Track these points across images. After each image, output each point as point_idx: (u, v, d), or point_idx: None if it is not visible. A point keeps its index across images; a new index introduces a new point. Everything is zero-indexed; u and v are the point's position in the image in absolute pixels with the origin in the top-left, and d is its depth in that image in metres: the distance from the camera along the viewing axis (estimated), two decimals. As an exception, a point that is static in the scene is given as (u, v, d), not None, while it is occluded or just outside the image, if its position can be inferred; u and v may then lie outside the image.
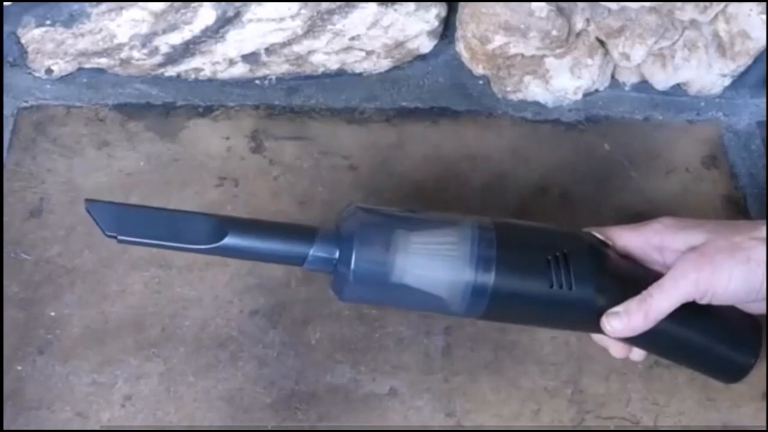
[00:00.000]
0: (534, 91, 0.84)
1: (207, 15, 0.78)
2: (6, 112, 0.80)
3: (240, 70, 0.83)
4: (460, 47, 0.84)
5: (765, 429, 0.68)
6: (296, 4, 0.78)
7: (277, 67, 0.83)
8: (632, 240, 0.64)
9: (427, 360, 0.70)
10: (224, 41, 0.80)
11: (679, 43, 0.82)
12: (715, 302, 0.61)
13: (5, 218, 0.74)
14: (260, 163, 0.79)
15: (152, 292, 0.71)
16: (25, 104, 0.81)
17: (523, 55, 0.82)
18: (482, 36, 0.80)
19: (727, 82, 0.85)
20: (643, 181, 0.81)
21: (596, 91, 0.86)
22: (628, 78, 0.86)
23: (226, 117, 0.82)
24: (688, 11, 0.78)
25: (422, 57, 0.85)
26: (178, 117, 0.81)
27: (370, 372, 0.69)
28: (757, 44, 0.81)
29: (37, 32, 0.79)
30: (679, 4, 0.78)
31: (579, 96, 0.85)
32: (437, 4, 0.80)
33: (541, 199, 0.79)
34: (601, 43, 0.82)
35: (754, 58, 0.82)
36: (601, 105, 0.86)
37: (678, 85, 0.86)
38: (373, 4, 0.79)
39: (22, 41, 0.80)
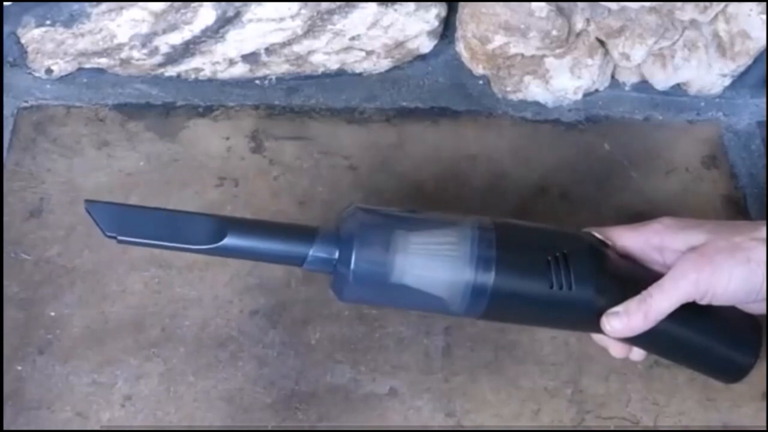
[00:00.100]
0: (534, 91, 0.84)
1: (207, 15, 0.78)
2: (6, 112, 0.80)
3: (240, 70, 0.83)
4: (460, 47, 0.84)
5: (765, 429, 0.68)
6: (296, 4, 0.78)
7: (277, 67, 0.83)
8: (632, 240, 0.64)
9: (427, 360, 0.70)
10: (224, 41, 0.80)
11: (679, 43, 0.82)
12: (715, 302, 0.61)
13: (5, 218, 0.74)
14: (260, 163, 0.79)
15: (152, 292, 0.71)
16: (25, 104, 0.81)
17: (523, 55, 0.82)
18: (482, 36, 0.80)
19: (727, 82, 0.85)
20: (643, 181, 0.81)
21: (596, 91, 0.86)
22: (628, 78, 0.86)
23: (226, 117, 0.82)
24: (688, 11, 0.78)
25: (422, 57, 0.85)
26: (178, 117, 0.81)
27: (370, 372, 0.69)
28: (757, 44, 0.81)
29: (37, 32, 0.79)
30: (679, 4, 0.78)
31: (579, 96, 0.85)
32: (437, 4, 0.80)
33: (541, 199, 0.79)
34: (601, 43, 0.82)
35: (754, 58, 0.82)
36: (601, 105, 0.86)
37: (678, 85, 0.86)
38: (373, 4, 0.79)
39: (22, 41, 0.80)
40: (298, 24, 0.79)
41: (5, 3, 0.77)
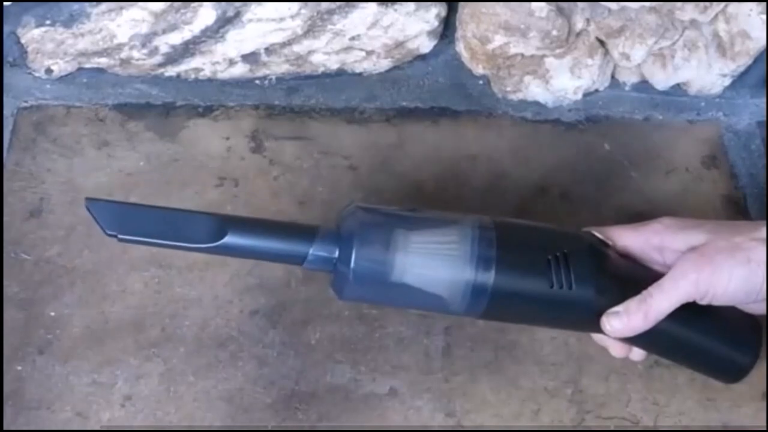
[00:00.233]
0: (534, 91, 0.84)
1: (207, 15, 0.78)
2: (6, 112, 0.80)
3: (240, 70, 0.83)
4: (460, 47, 0.84)
5: (765, 429, 0.68)
6: (296, 4, 0.78)
7: (277, 67, 0.83)
8: (632, 240, 0.64)
9: (427, 360, 0.70)
10: (224, 41, 0.80)
11: (679, 43, 0.82)
12: (715, 303, 0.61)
13: (5, 218, 0.74)
14: (260, 163, 0.79)
15: (152, 292, 0.71)
16: (25, 104, 0.81)
17: (523, 55, 0.82)
18: (482, 36, 0.80)
19: (727, 82, 0.85)
20: (643, 181, 0.81)
21: (596, 91, 0.86)
22: (628, 78, 0.86)
23: (226, 117, 0.82)
24: (688, 11, 0.78)
25: (422, 57, 0.85)
26: (178, 117, 0.81)
27: (370, 372, 0.69)
28: (757, 44, 0.81)
29: (37, 32, 0.79)
30: (679, 4, 0.78)
31: (579, 96, 0.85)
32: (437, 4, 0.80)
33: (541, 199, 0.79)
34: (601, 43, 0.82)
35: (754, 58, 0.82)
36: (601, 105, 0.86)
37: (678, 85, 0.86)
38: (373, 4, 0.79)
39: (22, 41, 0.80)
40: (298, 24, 0.79)
41: (5, 3, 0.77)
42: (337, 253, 0.58)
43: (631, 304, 0.60)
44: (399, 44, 0.83)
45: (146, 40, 0.79)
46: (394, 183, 0.78)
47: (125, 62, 0.81)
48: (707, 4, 0.78)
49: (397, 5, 0.79)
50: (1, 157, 0.77)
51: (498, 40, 0.80)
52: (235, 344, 0.69)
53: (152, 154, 0.79)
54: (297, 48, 0.82)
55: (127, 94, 0.82)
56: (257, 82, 0.84)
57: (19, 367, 0.67)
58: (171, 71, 0.83)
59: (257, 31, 0.80)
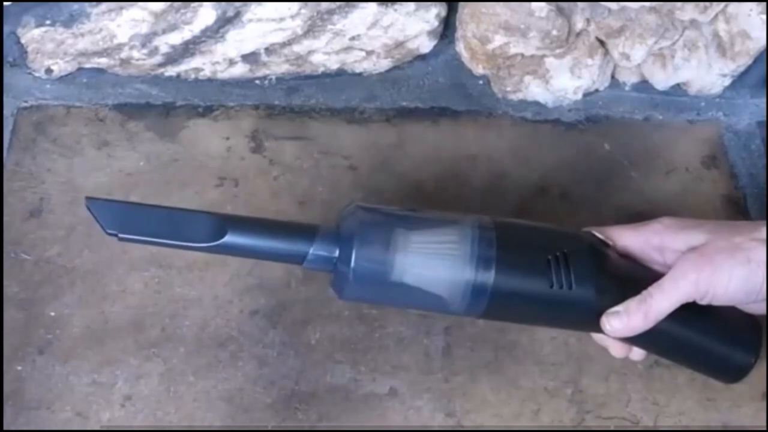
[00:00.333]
0: (534, 91, 0.84)
1: (207, 15, 0.78)
2: (6, 112, 0.80)
3: (240, 70, 0.83)
4: (460, 47, 0.84)
5: (765, 429, 0.68)
6: (296, 4, 0.78)
7: (277, 67, 0.83)
8: (632, 240, 0.64)
9: (427, 360, 0.70)
10: (224, 41, 0.80)
11: (679, 43, 0.82)
12: (715, 303, 0.61)
13: (5, 218, 0.74)
14: (260, 163, 0.79)
15: (152, 292, 0.71)
16: (25, 104, 0.81)
17: (523, 55, 0.82)
18: (482, 36, 0.80)
19: (727, 82, 0.85)
20: (643, 181, 0.81)
21: (596, 91, 0.86)
22: (628, 78, 0.86)
23: (226, 117, 0.82)
24: (688, 11, 0.78)
25: (422, 57, 0.85)
26: (178, 117, 0.81)
27: (370, 372, 0.69)
28: (757, 44, 0.81)
29: (37, 32, 0.79)
30: (679, 4, 0.78)
31: (579, 96, 0.85)
32: (437, 4, 0.80)
33: (541, 199, 0.79)
34: (601, 43, 0.82)
35: (754, 58, 0.82)
36: (601, 105, 0.86)
37: (678, 85, 0.86)
38: (373, 4, 0.79)
39: (22, 41, 0.80)
40: (298, 24, 0.79)
41: (5, 3, 0.77)
42: (337, 253, 0.58)
43: (631, 304, 0.60)
44: (399, 44, 0.83)
45: (146, 40, 0.79)
46: (394, 183, 0.78)
47: (125, 62, 0.81)
48: (707, 4, 0.78)
49: (397, 5, 0.79)
50: (1, 157, 0.77)
51: (498, 40, 0.80)
52: (235, 344, 0.69)
53: (152, 154, 0.79)
54: (297, 48, 0.82)
55: (127, 94, 0.82)
56: (257, 82, 0.84)
57: (19, 367, 0.67)
58: (171, 71, 0.83)
59: (257, 31, 0.80)
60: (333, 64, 0.84)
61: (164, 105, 0.82)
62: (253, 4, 0.78)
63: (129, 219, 0.57)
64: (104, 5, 0.77)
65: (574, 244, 0.62)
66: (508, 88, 0.84)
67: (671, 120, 0.85)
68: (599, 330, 0.62)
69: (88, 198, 0.56)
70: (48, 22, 0.78)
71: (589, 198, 0.79)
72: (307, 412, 0.67)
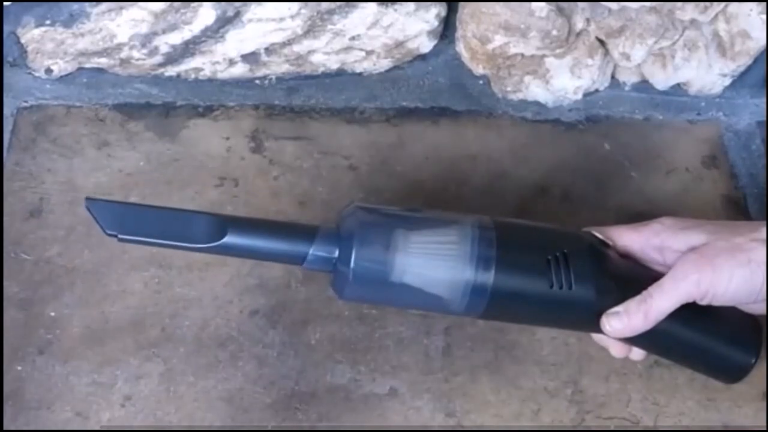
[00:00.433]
0: (534, 91, 0.84)
1: (207, 15, 0.78)
2: (6, 112, 0.80)
3: (240, 70, 0.83)
4: (460, 47, 0.84)
5: (765, 429, 0.68)
6: (296, 4, 0.78)
7: (277, 67, 0.83)
8: (632, 240, 0.64)
9: (427, 360, 0.70)
10: (224, 41, 0.80)
11: (679, 43, 0.82)
12: (715, 303, 0.61)
13: (5, 218, 0.74)
14: (260, 163, 0.79)
15: (152, 292, 0.71)
16: (25, 104, 0.81)
17: (523, 55, 0.82)
18: (482, 36, 0.80)
19: (727, 82, 0.85)
20: (643, 181, 0.81)
21: (596, 91, 0.86)
22: (628, 78, 0.86)
23: (226, 117, 0.82)
24: (689, 11, 0.78)
25: (422, 57, 0.85)
26: (178, 117, 0.81)
27: (370, 372, 0.69)
28: (757, 44, 0.81)
29: (37, 32, 0.79)
30: (679, 4, 0.78)
31: (579, 96, 0.85)
32: (437, 4, 0.80)
33: (541, 199, 0.79)
34: (601, 43, 0.82)
35: (754, 58, 0.82)
36: (601, 105, 0.86)
37: (678, 85, 0.86)
38: (373, 4, 0.79)
39: (22, 41, 0.80)
40: (298, 24, 0.79)
41: (5, 3, 0.77)
42: (337, 253, 0.59)
43: (631, 304, 0.60)
44: (399, 44, 0.83)
45: (146, 40, 0.79)
46: (394, 183, 0.78)
47: (125, 62, 0.81)
48: (707, 4, 0.78)
49: (397, 5, 0.79)
50: (1, 157, 0.77)
51: (498, 40, 0.80)
52: (235, 344, 0.69)
53: (152, 154, 0.79)
54: (297, 48, 0.82)
55: (127, 94, 0.82)
56: (257, 82, 0.84)
57: (19, 367, 0.67)
58: (171, 71, 0.83)
59: (257, 31, 0.80)
60: (333, 64, 0.84)
61: (164, 105, 0.82)
62: (253, 4, 0.78)
63: (129, 220, 0.57)
64: (104, 5, 0.77)
65: (574, 244, 0.62)
66: (508, 88, 0.84)
67: (671, 120, 0.85)
68: (599, 330, 0.62)
69: (87, 198, 0.56)
70: (48, 22, 0.78)
71: (589, 198, 0.79)
72: (307, 412, 0.67)
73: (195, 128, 0.81)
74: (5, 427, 0.64)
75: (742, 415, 0.69)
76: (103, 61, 0.81)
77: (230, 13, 0.78)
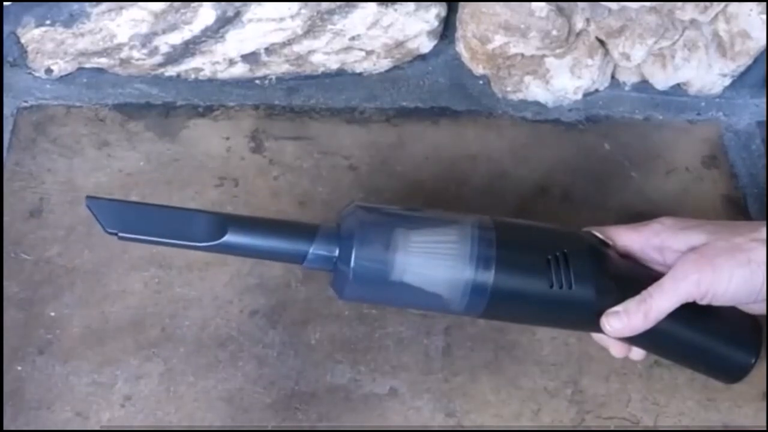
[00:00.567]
0: (534, 91, 0.84)
1: (207, 15, 0.78)
2: (6, 112, 0.80)
3: (240, 70, 0.83)
4: (460, 47, 0.84)
5: (765, 429, 0.68)
6: (296, 4, 0.78)
7: (277, 67, 0.83)
8: (632, 240, 0.64)
9: (427, 360, 0.70)
10: (224, 41, 0.80)
11: (679, 43, 0.82)
12: (715, 303, 0.61)
13: (5, 218, 0.74)
14: (260, 163, 0.79)
15: (152, 292, 0.71)
16: (25, 104, 0.81)
17: (523, 55, 0.82)
18: (482, 36, 0.80)
19: (727, 82, 0.85)
20: (643, 181, 0.81)
21: (596, 91, 0.86)
22: (628, 78, 0.86)
23: (226, 117, 0.82)
24: (689, 11, 0.78)
25: (422, 57, 0.85)
26: (178, 117, 0.81)
27: (370, 372, 0.69)
28: (757, 44, 0.81)
29: (37, 32, 0.79)
30: (679, 4, 0.78)
31: (579, 96, 0.85)
32: (437, 4, 0.80)
33: (541, 199, 0.79)
34: (601, 43, 0.82)
35: (754, 58, 0.82)
36: (601, 105, 0.86)
37: (678, 85, 0.86)
38: (373, 4, 0.79)
39: (22, 41, 0.80)
40: (298, 24, 0.79)
41: (5, 3, 0.77)
42: (337, 252, 0.59)
43: (631, 304, 0.60)
44: (399, 44, 0.83)
45: (146, 40, 0.79)
46: (394, 183, 0.78)
47: (125, 62, 0.81)
48: (707, 4, 0.78)
49: (397, 5, 0.79)
50: (1, 157, 0.77)
51: (498, 40, 0.80)
52: (235, 344, 0.69)
53: (152, 154, 0.79)
54: (297, 48, 0.82)
55: (127, 94, 0.82)
56: (257, 82, 0.84)
57: (19, 367, 0.67)
58: (171, 71, 0.83)
59: (257, 31, 0.80)
60: (333, 64, 0.84)
61: (164, 105, 0.82)
62: (253, 4, 0.78)
63: (129, 218, 0.57)
64: (104, 5, 0.77)
65: (574, 244, 0.62)
66: (508, 88, 0.84)
67: (671, 120, 0.85)
68: (599, 330, 0.62)
69: (88, 197, 0.56)
70: (48, 22, 0.78)
71: (589, 198, 0.79)
72: (307, 412, 0.67)
73: (195, 128, 0.81)
74: (5, 427, 0.64)
75: (742, 415, 0.69)
76: (103, 61, 0.81)
77: (230, 13, 0.78)
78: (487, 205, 0.77)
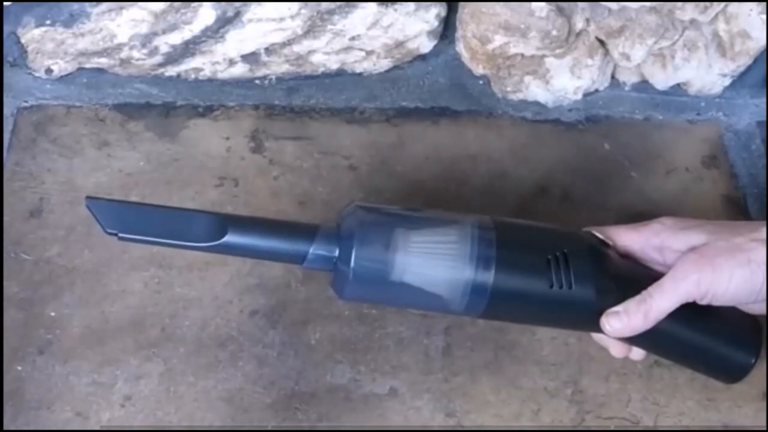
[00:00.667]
0: (534, 91, 0.84)
1: (207, 15, 0.78)
2: (6, 112, 0.80)
3: (240, 70, 0.83)
4: (460, 47, 0.84)
5: (765, 429, 0.68)
6: (296, 4, 0.78)
7: (277, 67, 0.83)
8: (632, 240, 0.64)
9: (427, 360, 0.70)
10: (224, 41, 0.80)
11: (679, 43, 0.82)
12: (715, 303, 0.61)
13: (5, 218, 0.74)
14: (260, 163, 0.79)
15: (152, 292, 0.71)
16: (25, 104, 0.81)
17: (523, 55, 0.82)
18: (482, 36, 0.80)
19: (727, 82, 0.85)
20: (643, 181, 0.81)
21: (596, 91, 0.86)
22: (628, 78, 0.86)
23: (226, 117, 0.82)
24: (688, 11, 0.78)
25: (422, 57, 0.85)
26: (178, 117, 0.81)
27: (370, 372, 0.69)
28: (757, 44, 0.81)
29: (37, 32, 0.79)
30: (679, 4, 0.78)
31: (579, 96, 0.85)
32: (437, 4, 0.80)
33: (542, 199, 0.79)
34: (601, 43, 0.82)
35: (754, 58, 0.82)
36: (601, 105, 0.86)
37: (678, 85, 0.86)
38: (373, 4, 0.79)
39: (22, 41, 0.80)
40: (298, 24, 0.79)
41: (5, 3, 0.77)
42: (337, 252, 0.59)
43: (631, 304, 0.60)
44: (399, 44, 0.83)
45: (146, 40, 0.79)
46: (394, 183, 0.78)
47: (125, 62, 0.81)
48: (707, 4, 0.78)
49: (397, 5, 0.79)
50: (1, 157, 0.77)
51: (498, 40, 0.80)
52: (235, 344, 0.69)
53: (152, 154, 0.79)
54: (297, 48, 0.82)
55: (127, 94, 0.82)
56: (257, 82, 0.84)
57: (19, 367, 0.67)
58: (171, 71, 0.83)
59: (257, 31, 0.80)
60: (333, 64, 0.84)
61: (164, 105, 0.82)
62: (253, 4, 0.78)
63: (129, 218, 0.57)
64: (104, 5, 0.77)
65: (574, 244, 0.62)
66: (508, 88, 0.84)
67: (671, 120, 0.85)
68: (599, 330, 0.62)
69: (88, 197, 0.56)
70: (48, 22, 0.78)
71: (589, 198, 0.79)
72: (307, 412, 0.67)
73: (195, 128, 0.81)
74: (5, 427, 0.64)
75: (742, 415, 0.69)
76: (103, 61, 0.81)
77: (230, 13, 0.78)
78: (487, 205, 0.77)
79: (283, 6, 0.78)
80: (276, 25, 0.79)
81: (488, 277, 0.59)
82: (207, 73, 0.83)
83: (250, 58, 0.82)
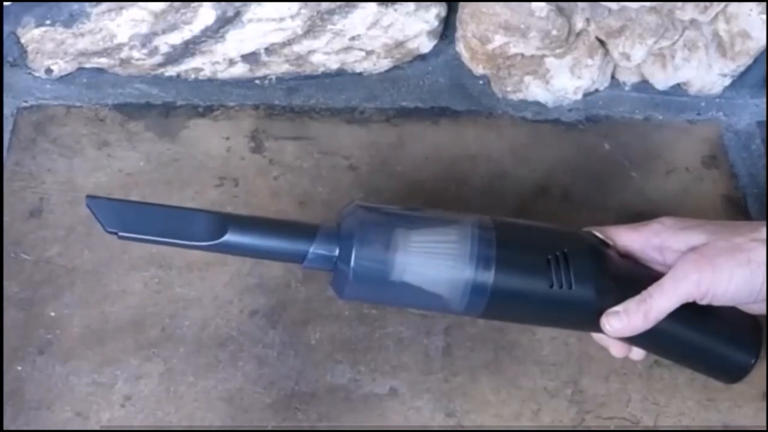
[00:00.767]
0: (534, 91, 0.84)
1: (207, 15, 0.78)
2: (6, 112, 0.80)
3: (240, 70, 0.83)
4: (460, 47, 0.84)
5: (765, 429, 0.68)
6: (296, 4, 0.78)
7: (277, 67, 0.83)
8: (632, 240, 0.64)
9: (427, 360, 0.70)
10: (224, 41, 0.80)
11: (679, 43, 0.82)
12: (715, 303, 0.61)
13: (5, 218, 0.74)
14: (260, 163, 0.79)
15: (152, 292, 0.71)
16: (25, 104, 0.81)
17: (523, 55, 0.82)
18: (482, 36, 0.80)
19: (727, 82, 0.85)
20: (643, 181, 0.81)
21: (596, 91, 0.86)
22: (628, 78, 0.86)
23: (226, 117, 0.82)
24: (689, 11, 0.78)
25: (422, 57, 0.85)
26: (178, 117, 0.81)
27: (370, 372, 0.69)
28: (757, 44, 0.81)
29: (37, 32, 0.79)
30: (679, 4, 0.78)
31: (579, 96, 0.85)
32: (437, 4, 0.80)
33: (542, 199, 0.79)
34: (601, 43, 0.82)
35: (754, 58, 0.82)
36: (601, 105, 0.86)
37: (678, 85, 0.86)
38: (373, 4, 0.79)
39: (22, 41, 0.80)
40: (298, 24, 0.79)
41: (5, 3, 0.77)
42: (337, 252, 0.58)
43: (631, 304, 0.60)
44: (399, 44, 0.83)
45: (146, 40, 0.79)
46: (394, 183, 0.78)
47: (125, 62, 0.81)
48: (707, 4, 0.78)
49: (397, 5, 0.79)
50: (1, 157, 0.77)
51: (498, 40, 0.80)
52: (235, 344, 0.69)
53: (152, 154, 0.79)
54: (297, 48, 0.82)
55: (127, 94, 0.82)
56: (257, 82, 0.84)
57: (19, 367, 0.67)
58: (171, 71, 0.83)
59: (257, 31, 0.80)
60: (333, 64, 0.84)
61: (164, 105, 0.82)
62: (253, 4, 0.78)
63: (129, 217, 0.57)
64: (104, 5, 0.77)
65: (574, 244, 0.62)
66: (508, 88, 0.84)
67: (671, 120, 0.85)
68: (599, 330, 0.62)
69: (88, 196, 0.56)
70: (48, 22, 0.78)
71: (589, 198, 0.79)
72: (307, 412, 0.67)
73: (195, 128, 0.81)
74: (5, 427, 0.64)
75: (742, 415, 0.69)
76: (103, 61, 0.81)
77: (230, 13, 0.78)
78: (487, 205, 0.77)
79: (283, 6, 0.78)
80: (276, 25, 0.79)
81: (488, 276, 0.59)
82: (207, 73, 0.83)
83: (250, 58, 0.82)
